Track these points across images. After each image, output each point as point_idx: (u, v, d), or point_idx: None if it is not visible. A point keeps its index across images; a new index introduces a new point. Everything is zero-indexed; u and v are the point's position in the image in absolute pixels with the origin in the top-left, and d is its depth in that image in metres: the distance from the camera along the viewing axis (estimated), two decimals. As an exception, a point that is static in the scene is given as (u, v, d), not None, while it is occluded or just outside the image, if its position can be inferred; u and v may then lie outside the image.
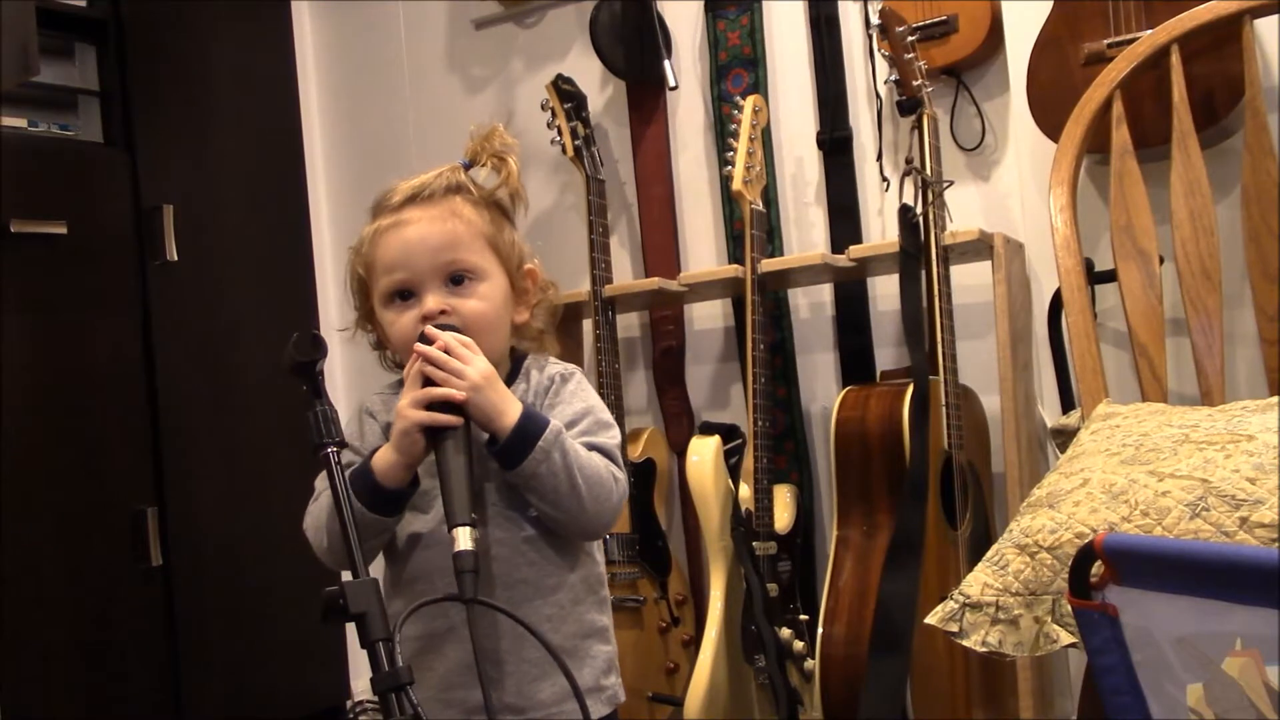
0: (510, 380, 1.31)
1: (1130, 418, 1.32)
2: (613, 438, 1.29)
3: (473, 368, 1.20)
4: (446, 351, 1.20)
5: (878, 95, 2.29)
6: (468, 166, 1.35)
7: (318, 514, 1.27)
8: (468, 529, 1.12)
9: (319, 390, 1.14)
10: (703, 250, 2.53)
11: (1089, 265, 1.60)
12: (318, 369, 1.14)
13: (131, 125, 2.37)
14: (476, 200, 1.32)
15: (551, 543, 1.27)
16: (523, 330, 1.36)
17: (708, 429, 2.09)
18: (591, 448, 1.25)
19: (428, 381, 1.20)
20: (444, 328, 1.23)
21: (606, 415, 1.31)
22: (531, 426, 1.20)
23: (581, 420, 1.28)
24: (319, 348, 1.14)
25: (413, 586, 1.27)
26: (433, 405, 1.19)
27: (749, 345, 2.08)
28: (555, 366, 1.35)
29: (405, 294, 1.27)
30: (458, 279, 1.27)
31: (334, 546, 1.25)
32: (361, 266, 1.33)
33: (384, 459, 1.21)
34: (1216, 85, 1.68)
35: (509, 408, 1.20)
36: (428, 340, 1.22)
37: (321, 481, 1.28)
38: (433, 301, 1.25)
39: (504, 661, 1.25)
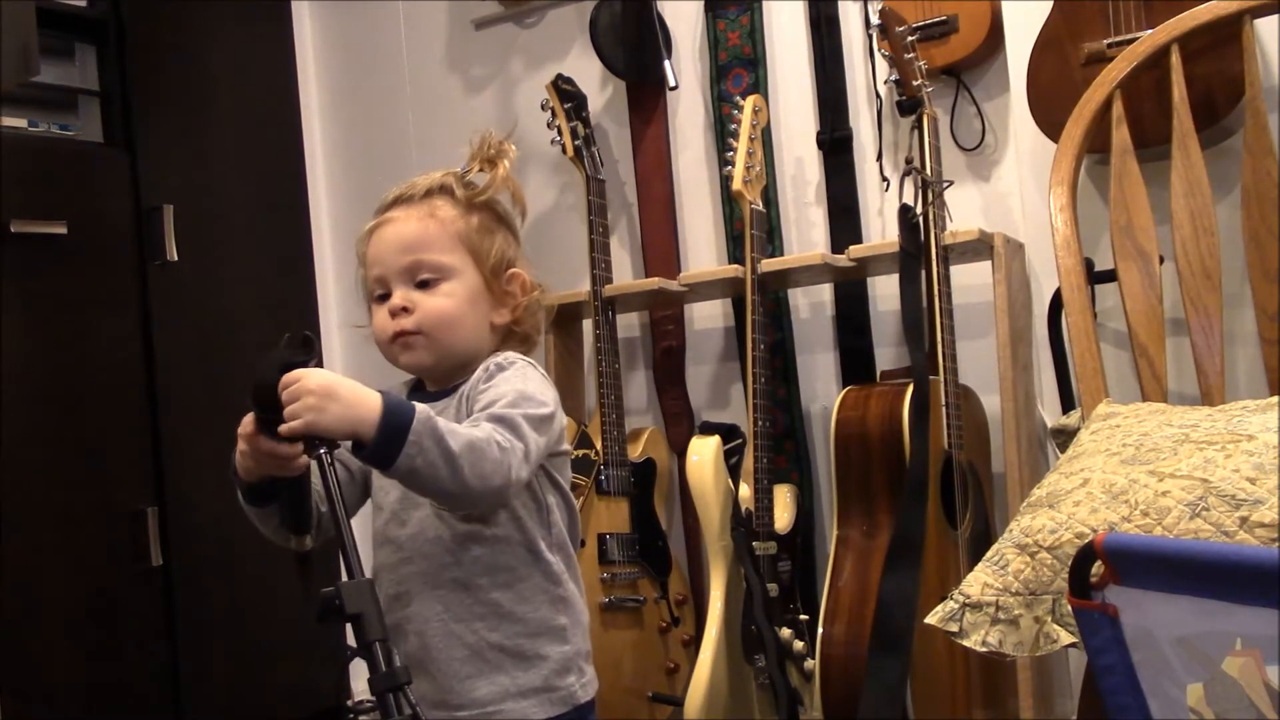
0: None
1: (1130, 418, 1.32)
2: (525, 409, 1.22)
3: (303, 394, 1.10)
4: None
5: (878, 95, 2.29)
6: (465, 172, 1.38)
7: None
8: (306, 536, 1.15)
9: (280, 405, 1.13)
10: (703, 250, 2.53)
11: (1089, 265, 1.60)
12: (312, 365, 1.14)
13: (131, 125, 2.37)
14: (461, 202, 1.35)
15: (489, 541, 1.27)
16: (509, 332, 1.38)
17: (708, 429, 2.09)
18: (492, 418, 1.20)
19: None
20: (272, 359, 1.16)
21: (534, 397, 1.25)
22: (396, 420, 1.12)
23: (498, 402, 1.23)
24: (310, 349, 1.14)
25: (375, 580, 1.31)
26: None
27: (749, 345, 2.08)
28: (499, 357, 1.32)
29: (384, 292, 1.32)
30: (424, 277, 1.31)
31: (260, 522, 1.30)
32: (361, 265, 1.38)
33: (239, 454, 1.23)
34: (1216, 85, 1.68)
35: (365, 413, 1.12)
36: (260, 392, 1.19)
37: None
38: (397, 297, 1.30)
39: (435, 659, 1.26)
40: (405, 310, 1.30)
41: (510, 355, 1.33)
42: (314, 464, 1.12)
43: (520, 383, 1.27)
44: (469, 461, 1.15)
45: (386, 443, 1.12)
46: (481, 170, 1.38)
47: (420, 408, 1.16)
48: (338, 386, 1.12)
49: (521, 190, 1.42)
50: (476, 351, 1.35)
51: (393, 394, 1.17)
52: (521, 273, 1.37)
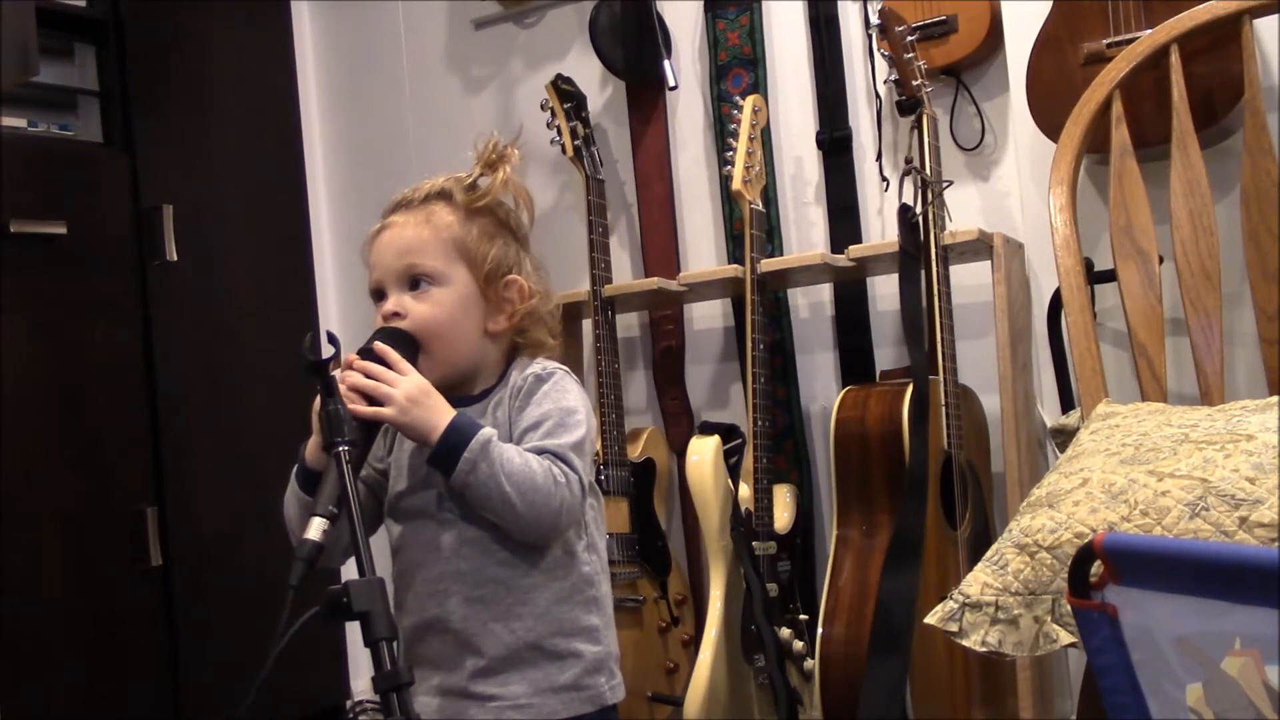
0: (495, 383, 1.35)
1: (1130, 417, 1.32)
2: (572, 439, 1.28)
3: (399, 389, 1.22)
4: (373, 376, 1.23)
5: (877, 95, 2.29)
6: (468, 177, 1.38)
7: (288, 496, 1.33)
8: (320, 520, 1.13)
9: (331, 389, 1.15)
10: (702, 250, 2.53)
11: (1089, 265, 1.60)
12: (331, 368, 1.16)
13: (131, 125, 2.37)
14: (460, 207, 1.36)
15: (524, 543, 1.29)
16: (515, 341, 1.38)
17: (707, 429, 2.09)
18: (542, 451, 1.26)
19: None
20: (389, 332, 1.28)
21: (576, 416, 1.30)
22: (457, 438, 1.22)
23: (544, 423, 1.29)
24: (332, 346, 1.16)
25: (400, 582, 1.35)
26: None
27: (749, 345, 2.08)
28: (535, 366, 1.35)
29: (380, 295, 1.34)
30: (415, 282, 1.32)
31: (291, 521, 1.31)
32: (366, 268, 1.39)
33: (312, 443, 1.28)
34: (1216, 85, 1.68)
35: (438, 421, 1.23)
36: (366, 351, 1.26)
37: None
38: (390, 302, 1.32)
39: (471, 654, 1.29)
40: (397, 315, 1.31)
41: (548, 365, 1.35)
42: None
43: (561, 398, 1.31)
44: (519, 492, 1.22)
45: (446, 453, 1.22)
46: (484, 175, 1.38)
47: (486, 432, 1.24)
48: (426, 395, 1.24)
49: (527, 193, 1.42)
50: (476, 359, 1.35)
51: (466, 415, 1.26)
52: (519, 279, 1.36)
